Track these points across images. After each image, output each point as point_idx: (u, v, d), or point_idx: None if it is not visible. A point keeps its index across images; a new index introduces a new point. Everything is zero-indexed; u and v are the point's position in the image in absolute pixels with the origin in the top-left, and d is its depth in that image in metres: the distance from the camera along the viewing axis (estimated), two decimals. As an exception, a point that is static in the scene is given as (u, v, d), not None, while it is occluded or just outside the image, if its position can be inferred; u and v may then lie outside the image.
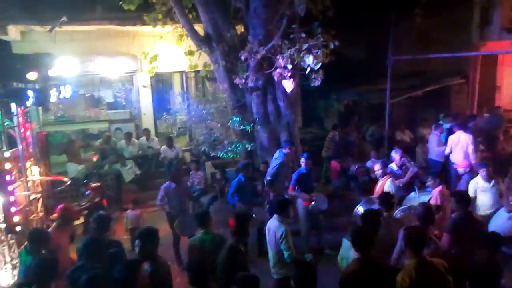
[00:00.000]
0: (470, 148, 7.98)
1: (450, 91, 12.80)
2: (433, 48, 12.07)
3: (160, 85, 13.66)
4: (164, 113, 9.72)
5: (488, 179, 6.11)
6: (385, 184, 6.37)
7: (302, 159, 6.87)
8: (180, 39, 9.25)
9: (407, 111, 12.69)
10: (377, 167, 6.66)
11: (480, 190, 6.17)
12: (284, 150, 7.53)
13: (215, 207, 8.22)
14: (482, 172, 6.12)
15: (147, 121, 10.97)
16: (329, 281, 4.23)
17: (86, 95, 12.86)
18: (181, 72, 11.63)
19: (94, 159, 9.79)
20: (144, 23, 9.17)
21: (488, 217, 5.98)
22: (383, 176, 6.51)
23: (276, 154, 7.59)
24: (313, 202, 6.67)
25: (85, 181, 8.32)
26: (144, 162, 10.09)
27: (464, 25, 12.15)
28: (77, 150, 9.91)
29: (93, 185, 7.20)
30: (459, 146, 8.13)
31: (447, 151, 8.42)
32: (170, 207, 6.69)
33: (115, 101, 13.98)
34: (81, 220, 6.86)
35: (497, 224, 5.68)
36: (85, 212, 6.70)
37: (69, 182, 6.75)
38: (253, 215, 6.44)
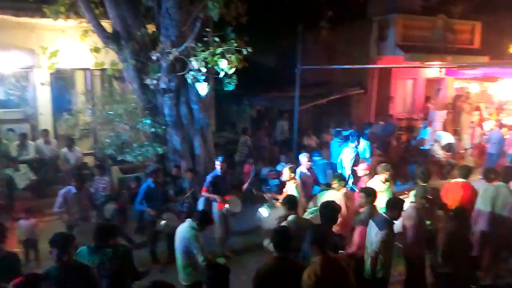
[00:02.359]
0: (367, 153, 8.86)
1: (350, 100, 13.91)
2: (337, 60, 12.99)
3: (61, 82, 12.55)
4: (64, 113, 8.96)
5: (384, 181, 6.66)
6: (289, 188, 6.64)
7: (217, 162, 6.85)
8: (85, 34, 8.61)
9: (313, 118, 13.44)
10: (285, 172, 6.88)
11: (377, 191, 6.71)
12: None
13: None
14: (382, 174, 6.64)
15: (45, 121, 10.05)
16: (239, 284, 4.24)
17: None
18: (85, 70, 10.88)
19: (-19, 163, 8.70)
20: (44, 15, 8.37)
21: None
22: (290, 181, 6.76)
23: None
24: (227, 205, 6.70)
25: (-31, 188, 7.35)
26: (40, 166, 9.17)
27: (364, 40, 13.31)
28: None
29: (-21, 192, 6.42)
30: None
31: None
32: (70, 215, 6.17)
33: (7, 99, 12.50)
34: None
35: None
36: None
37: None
38: (164, 222, 6.25)
